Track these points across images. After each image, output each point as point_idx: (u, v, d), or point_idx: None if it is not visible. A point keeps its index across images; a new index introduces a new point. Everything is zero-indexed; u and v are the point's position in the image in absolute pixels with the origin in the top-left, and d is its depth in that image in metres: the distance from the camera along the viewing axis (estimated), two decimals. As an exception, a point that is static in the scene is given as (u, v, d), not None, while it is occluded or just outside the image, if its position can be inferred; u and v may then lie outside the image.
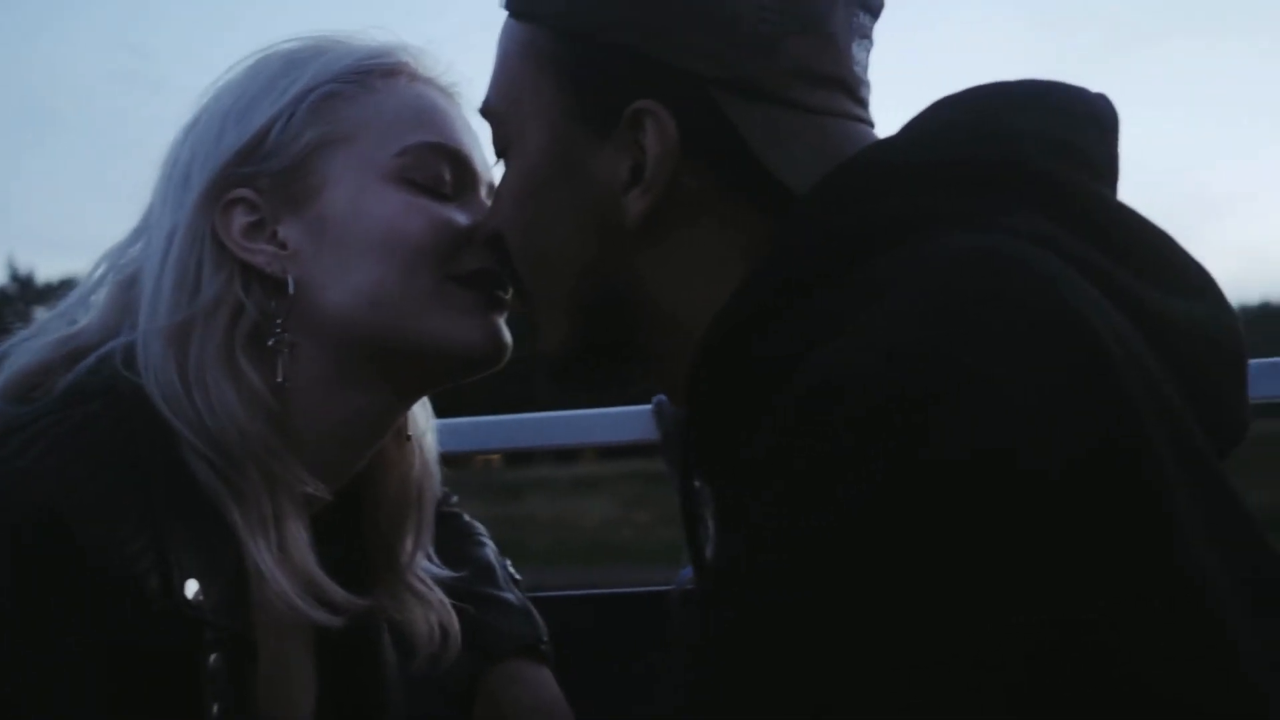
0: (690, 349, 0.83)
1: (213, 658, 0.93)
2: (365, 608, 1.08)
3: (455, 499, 1.47)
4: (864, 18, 0.87)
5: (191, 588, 0.92)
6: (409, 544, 1.17)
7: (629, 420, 1.61)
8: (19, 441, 0.91)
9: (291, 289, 1.02)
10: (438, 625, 1.19)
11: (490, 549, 1.40)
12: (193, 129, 1.07)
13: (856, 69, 0.87)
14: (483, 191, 1.11)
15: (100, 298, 1.07)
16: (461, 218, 1.06)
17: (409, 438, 1.17)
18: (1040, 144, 0.76)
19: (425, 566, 1.21)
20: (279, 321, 1.02)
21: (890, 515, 0.58)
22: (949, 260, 0.67)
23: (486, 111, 0.94)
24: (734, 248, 0.84)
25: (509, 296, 1.07)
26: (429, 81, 1.11)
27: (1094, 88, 0.83)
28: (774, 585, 0.61)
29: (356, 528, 1.18)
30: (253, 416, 0.99)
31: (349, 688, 1.18)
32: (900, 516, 0.58)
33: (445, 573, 1.23)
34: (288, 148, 1.03)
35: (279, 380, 1.01)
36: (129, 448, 0.94)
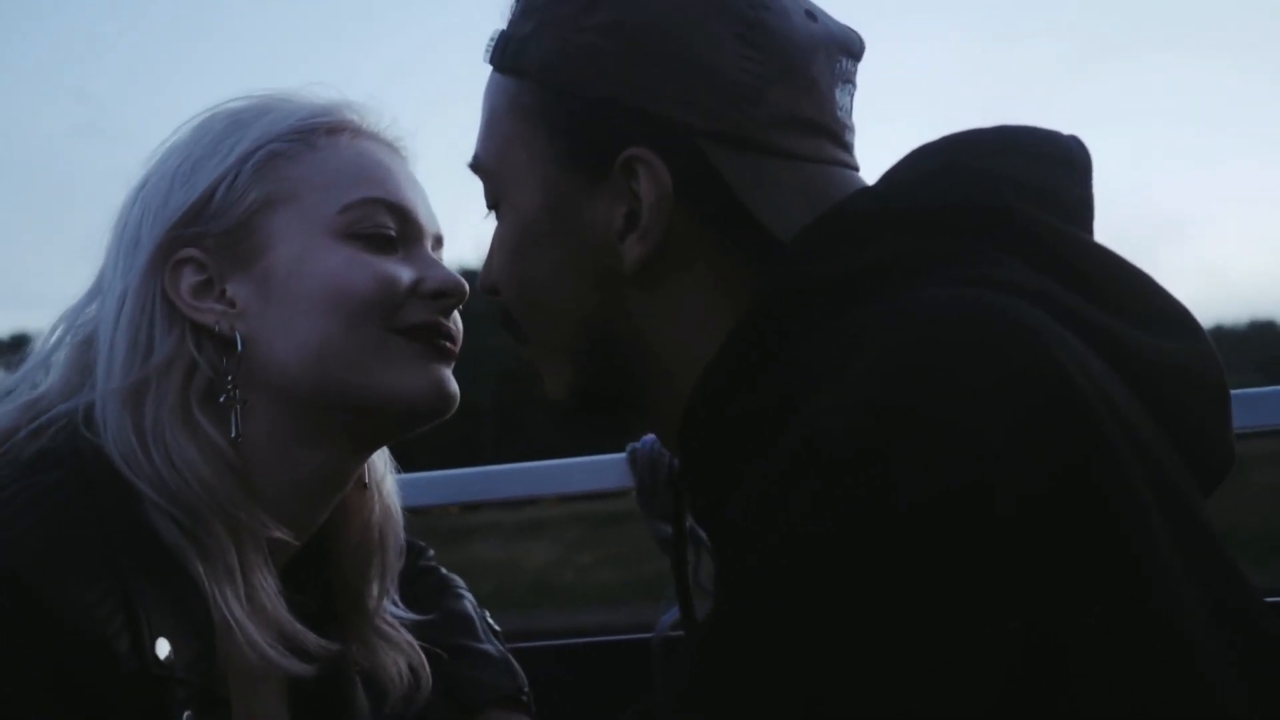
0: (680, 407, 0.85)
1: (185, 715, 0.93)
2: (337, 652, 1.09)
3: (432, 553, 1.47)
4: (846, 63, 0.89)
5: (163, 647, 0.92)
6: (374, 589, 1.18)
7: (580, 471, 1.64)
8: None
9: (240, 346, 1.04)
10: (407, 667, 1.20)
11: (469, 601, 1.41)
12: (141, 190, 1.09)
13: (840, 114, 0.88)
14: (428, 244, 1.13)
15: (60, 358, 1.09)
16: (405, 272, 1.08)
17: (365, 485, 1.19)
18: (1016, 189, 0.78)
19: (393, 611, 1.22)
20: (230, 378, 1.03)
21: (865, 568, 0.61)
22: (924, 313, 0.68)
23: (476, 167, 0.95)
24: (725, 295, 0.85)
25: (453, 347, 1.09)
26: (373, 137, 1.13)
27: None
28: (758, 641, 0.64)
29: (322, 576, 1.19)
30: (215, 470, 1.00)
31: None
32: (875, 567, 0.60)
33: (412, 616, 1.24)
34: (233, 207, 1.05)
35: (234, 436, 1.02)
36: (94, 512, 0.95)
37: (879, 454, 0.61)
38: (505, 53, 0.91)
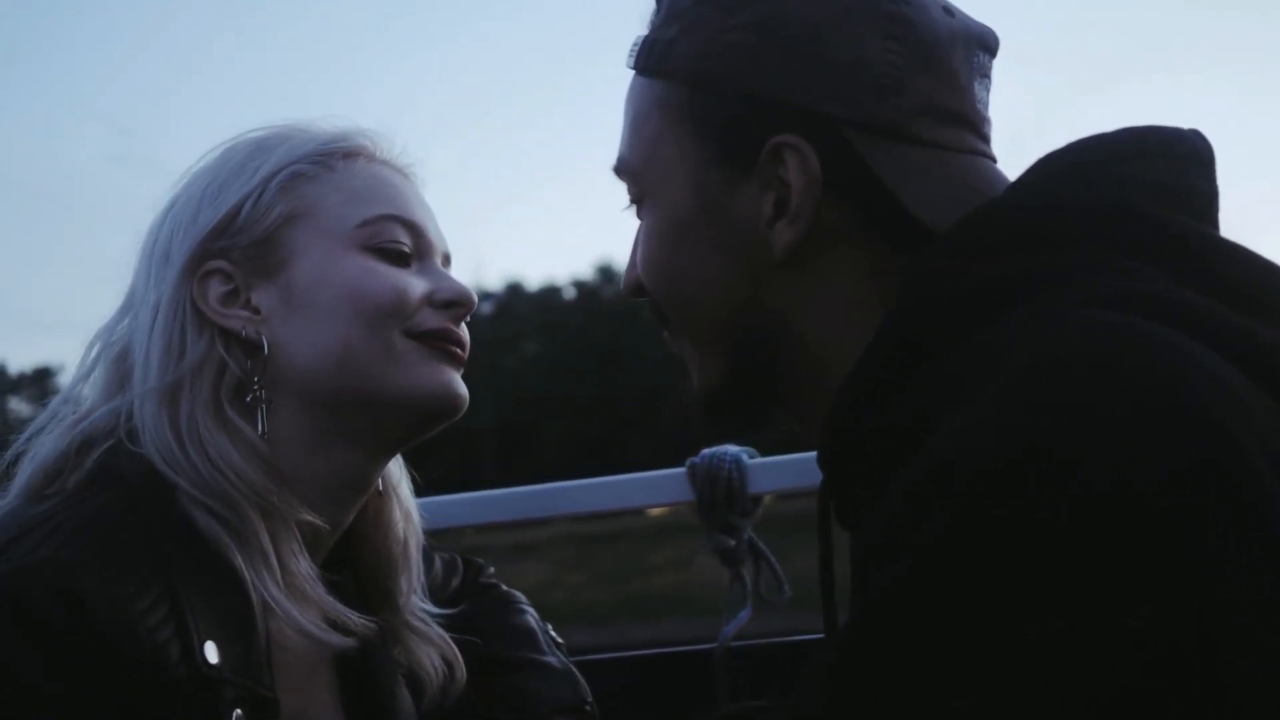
0: (828, 398, 0.86)
1: (235, 714, 0.97)
2: (375, 636, 1.14)
3: (492, 570, 1.50)
4: (983, 57, 0.91)
5: (211, 651, 0.97)
6: (403, 585, 1.24)
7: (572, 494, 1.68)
8: (37, 537, 0.97)
9: (266, 349, 1.10)
10: (441, 660, 1.25)
11: (531, 615, 1.43)
12: (170, 211, 1.16)
13: (979, 106, 0.90)
14: (438, 260, 1.20)
15: (97, 375, 1.15)
16: (419, 283, 1.15)
17: (382, 492, 1.24)
18: (1150, 192, 0.79)
19: (423, 607, 1.27)
20: (257, 380, 1.10)
21: (1005, 582, 0.61)
22: (1064, 338, 0.68)
23: (620, 168, 0.97)
24: (872, 283, 0.87)
25: (462, 354, 1.15)
26: (385, 163, 1.20)
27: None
28: (905, 652, 0.63)
29: (353, 578, 1.23)
30: (248, 460, 1.06)
31: None
32: (1016, 581, 0.60)
33: (441, 612, 1.28)
34: (258, 223, 1.12)
35: (261, 433, 1.09)
36: (140, 527, 1.00)
37: (1010, 474, 0.62)
38: (650, 56, 0.93)
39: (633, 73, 0.96)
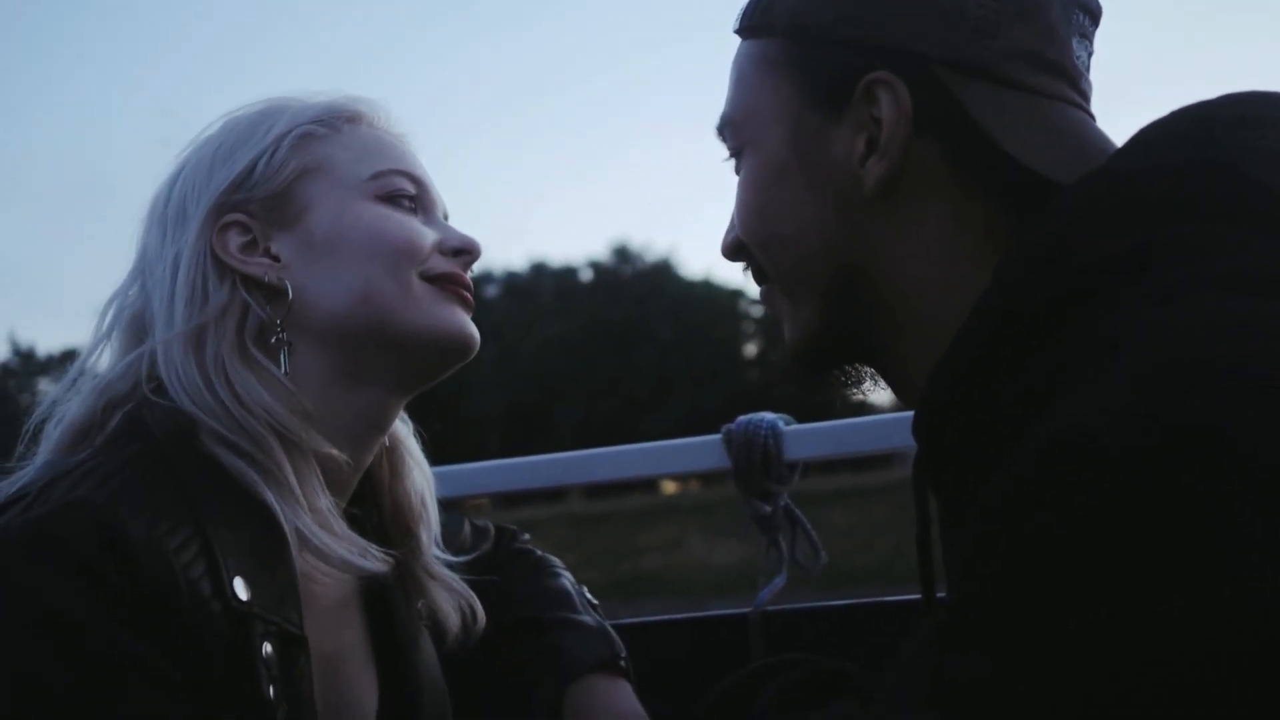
0: (923, 352, 0.86)
1: (265, 647, 1.01)
2: (395, 564, 1.17)
3: (527, 536, 1.52)
4: (1083, 19, 0.91)
5: (241, 586, 1.00)
6: (423, 534, 1.28)
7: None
8: (72, 481, 1.00)
9: (290, 294, 1.15)
10: (462, 604, 1.29)
11: (566, 578, 1.46)
12: (179, 176, 1.20)
13: (1077, 62, 0.90)
14: (439, 214, 1.26)
15: (114, 340, 1.19)
16: (428, 230, 1.21)
17: (393, 448, 1.29)
18: (1262, 162, 0.76)
19: (440, 555, 1.30)
20: (279, 323, 1.14)
21: (1131, 569, 0.58)
22: (1188, 323, 0.66)
23: (722, 126, 0.99)
24: (966, 230, 0.87)
25: (471, 298, 1.21)
26: (384, 129, 1.27)
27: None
28: (1021, 639, 0.61)
29: (373, 515, 1.28)
30: (275, 395, 1.10)
31: (405, 695, 1.24)
32: (1139, 570, 0.58)
33: (456, 559, 1.32)
34: (274, 178, 1.17)
35: (284, 372, 1.13)
36: (170, 470, 1.03)
37: (1135, 457, 0.60)
38: (751, 16, 0.97)
39: (739, 40, 0.98)
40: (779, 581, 1.56)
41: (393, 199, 1.20)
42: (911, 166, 0.88)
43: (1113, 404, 0.63)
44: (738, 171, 0.99)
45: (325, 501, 1.11)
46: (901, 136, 0.87)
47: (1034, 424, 0.66)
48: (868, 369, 0.99)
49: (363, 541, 1.12)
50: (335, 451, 1.12)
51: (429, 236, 1.20)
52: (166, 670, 0.94)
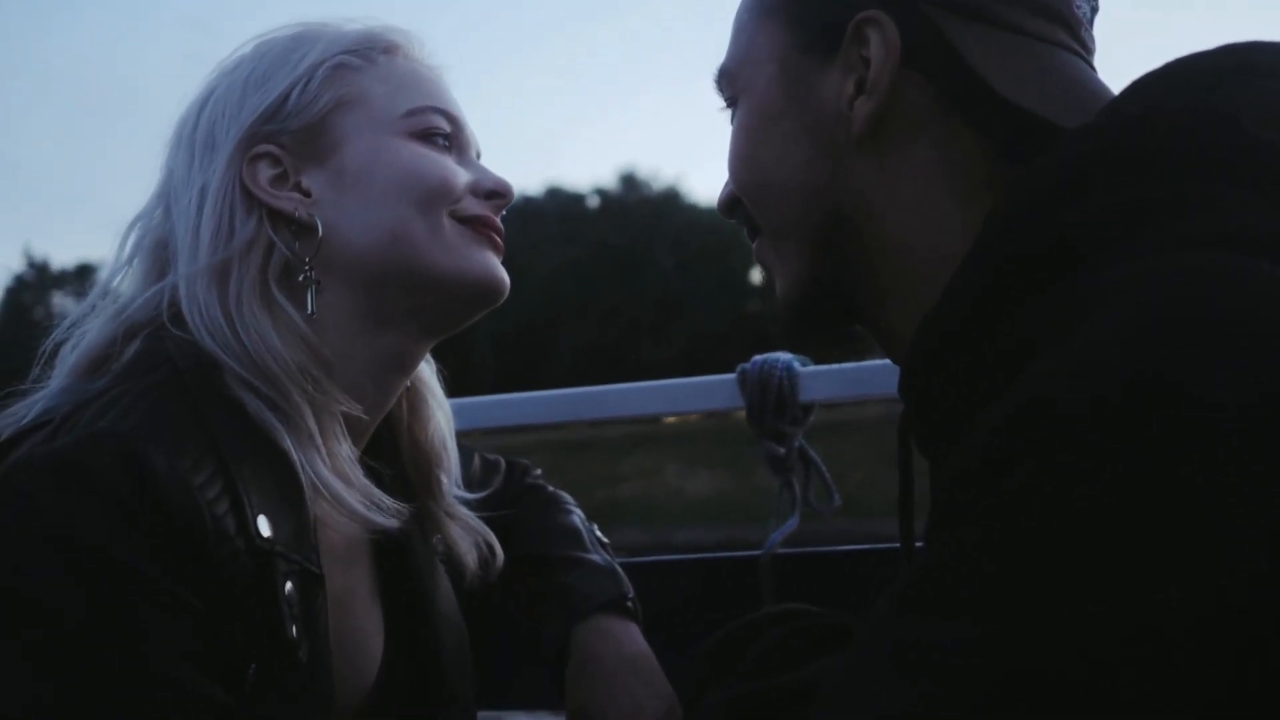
0: (911, 306, 0.85)
1: (287, 586, 1.00)
2: (409, 518, 1.16)
3: (539, 471, 1.51)
4: None
5: (264, 524, 0.99)
6: (442, 477, 1.27)
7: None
8: (96, 409, 0.98)
9: (320, 230, 1.11)
10: (479, 544, 1.29)
11: (577, 515, 1.45)
12: (209, 100, 1.16)
13: (1077, 11, 0.88)
14: (473, 153, 1.22)
15: (136, 265, 1.16)
16: (462, 172, 1.17)
17: (413, 388, 1.27)
18: (1264, 112, 0.74)
19: (459, 494, 1.30)
20: (307, 260, 1.11)
21: (1107, 527, 0.58)
22: (1171, 281, 0.64)
23: (720, 75, 0.98)
24: (957, 172, 0.86)
25: (501, 242, 1.18)
26: (419, 61, 1.23)
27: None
28: (993, 592, 0.61)
29: (393, 467, 1.26)
30: (290, 346, 1.07)
31: (415, 632, 1.24)
32: (1117, 529, 0.58)
33: (474, 496, 1.32)
34: (307, 109, 1.13)
35: (309, 313, 1.10)
36: (192, 404, 1.01)
37: (1110, 415, 0.59)
38: None
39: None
40: (791, 523, 1.55)
41: (427, 136, 1.16)
42: (900, 107, 0.86)
43: (1076, 361, 0.62)
44: (732, 121, 0.97)
45: (344, 448, 1.10)
46: (889, 74, 0.85)
47: (1015, 384, 0.65)
48: (858, 326, 0.97)
49: (378, 493, 1.10)
50: (348, 407, 1.10)
51: (462, 177, 1.17)
52: (191, 603, 0.93)
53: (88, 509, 0.91)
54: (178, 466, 0.94)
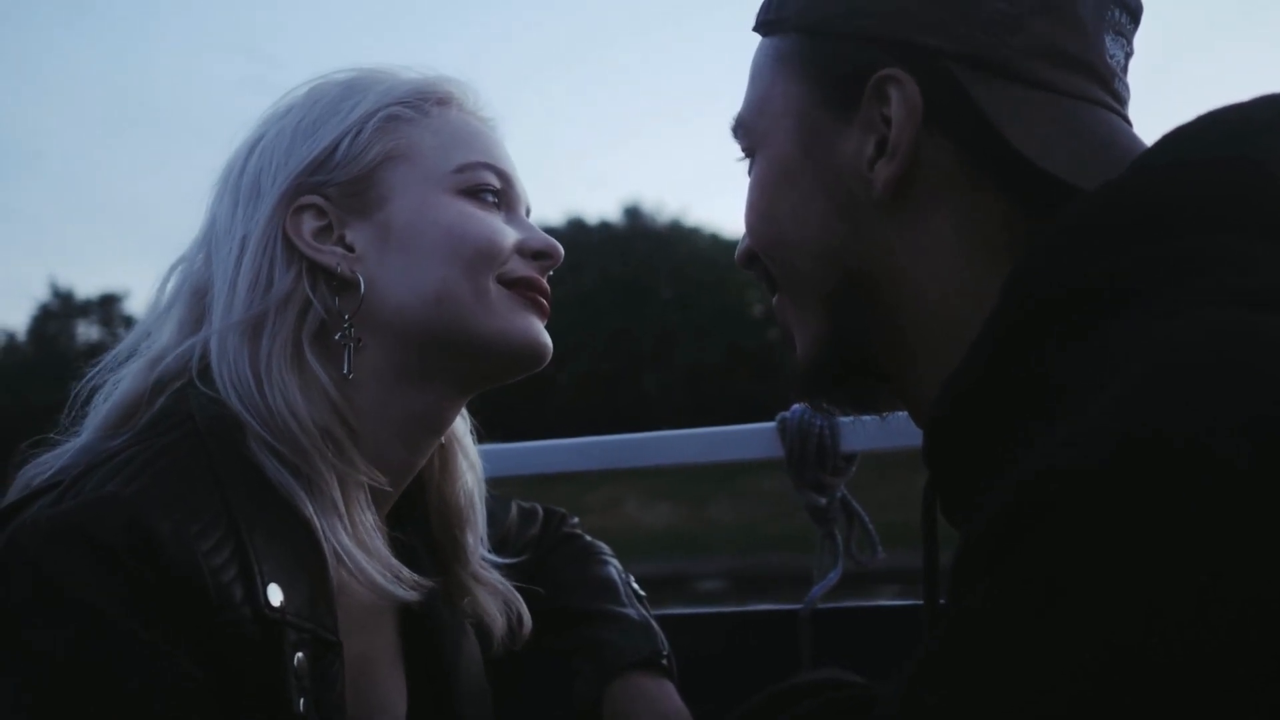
0: (934, 369, 0.82)
1: (297, 657, 0.96)
2: (438, 591, 1.14)
3: (576, 520, 1.48)
4: (1120, 15, 0.85)
5: (275, 593, 0.96)
6: (470, 539, 1.24)
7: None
8: (104, 473, 0.96)
9: (363, 287, 1.09)
10: (506, 608, 1.25)
11: (614, 567, 1.41)
12: (256, 146, 1.13)
13: (1109, 60, 0.85)
14: (523, 210, 1.20)
15: (175, 310, 1.13)
16: (510, 231, 1.14)
17: (448, 444, 1.24)
18: None
19: (487, 557, 1.26)
20: (347, 318, 1.08)
21: (1121, 598, 0.56)
22: (1190, 341, 0.63)
23: (736, 126, 0.96)
24: (978, 234, 0.83)
25: (548, 305, 1.15)
26: (472, 114, 1.20)
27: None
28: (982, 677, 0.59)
29: (419, 529, 1.23)
30: (315, 409, 1.04)
31: (439, 697, 1.20)
32: (1131, 600, 0.56)
33: (504, 560, 1.28)
34: (356, 161, 1.11)
35: (345, 373, 1.07)
36: (208, 466, 0.98)
37: (1117, 483, 0.57)
38: (766, 13, 0.93)
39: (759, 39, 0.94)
40: (833, 577, 1.51)
41: (476, 193, 1.13)
42: (922, 168, 0.83)
43: (1088, 430, 0.60)
44: (750, 174, 0.94)
45: (369, 517, 1.07)
46: (910, 136, 0.82)
47: (1027, 453, 0.63)
48: (881, 387, 0.93)
49: (394, 564, 1.07)
50: (377, 475, 1.07)
51: (510, 237, 1.14)
52: (188, 669, 0.91)
53: (84, 570, 0.89)
54: (183, 531, 0.92)
